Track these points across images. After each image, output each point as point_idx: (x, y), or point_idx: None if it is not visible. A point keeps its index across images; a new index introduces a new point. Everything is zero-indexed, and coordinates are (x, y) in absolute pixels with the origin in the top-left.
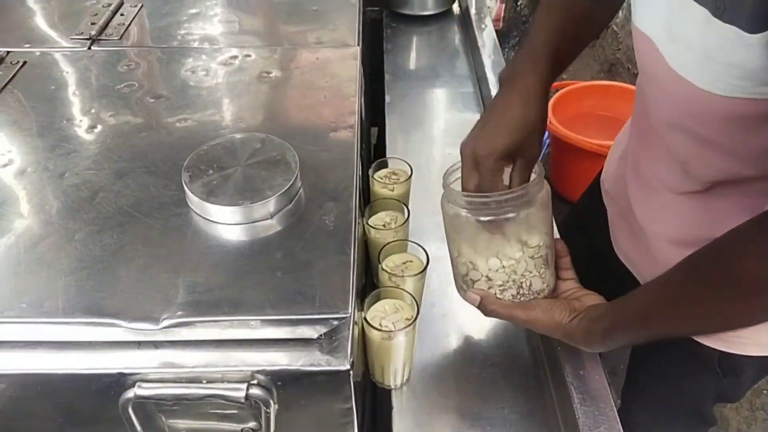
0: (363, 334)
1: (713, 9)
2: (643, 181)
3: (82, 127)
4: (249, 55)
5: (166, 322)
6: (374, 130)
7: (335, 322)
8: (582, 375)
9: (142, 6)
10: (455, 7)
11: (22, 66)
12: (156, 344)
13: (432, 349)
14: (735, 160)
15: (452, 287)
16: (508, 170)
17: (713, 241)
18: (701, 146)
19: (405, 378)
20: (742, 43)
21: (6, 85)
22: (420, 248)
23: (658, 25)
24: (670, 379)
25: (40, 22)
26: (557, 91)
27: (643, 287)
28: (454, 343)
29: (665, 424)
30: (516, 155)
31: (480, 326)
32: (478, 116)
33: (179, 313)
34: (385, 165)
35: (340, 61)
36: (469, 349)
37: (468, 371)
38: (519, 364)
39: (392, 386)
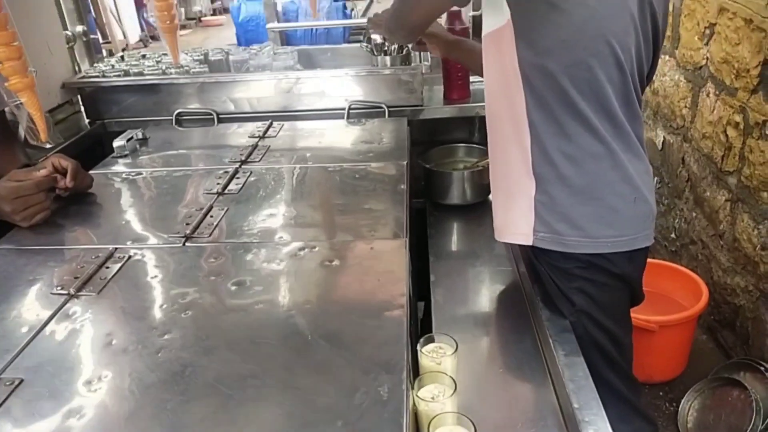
0: None
1: None
2: None
3: (175, 311)
4: (314, 247)
5: None
6: (421, 305)
7: None
8: None
9: (227, 209)
10: (490, 197)
11: (126, 260)
12: None
13: None
14: None
15: None
16: None
17: None
18: None
19: None
20: None
21: (113, 277)
22: (469, 421)
23: None
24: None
25: (143, 223)
26: None
27: None
28: None
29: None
30: None
31: None
32: (518, 292)
33: None
34: (432, 340)
35: (391, 251)
36: None
37: None
38: None
39: None
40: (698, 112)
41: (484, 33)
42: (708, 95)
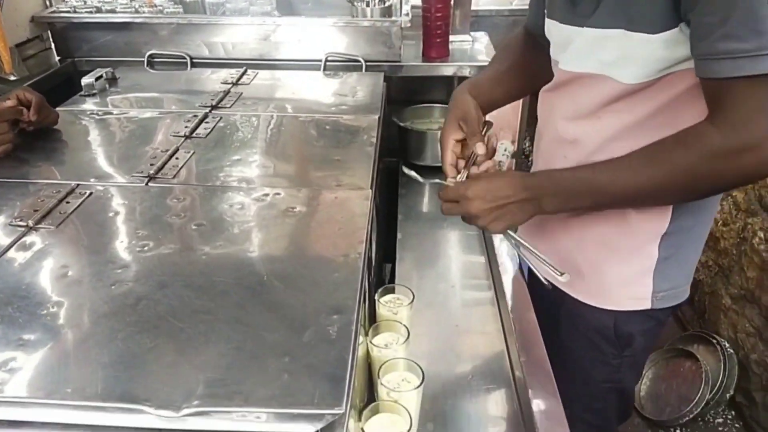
0: None
1: (627, 27)
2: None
3: (133, 247)
4: (278, 193)
5: (185, 411)
6: (388, 266)
7: (330, 418)
8: None
9: (194, 152)
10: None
11: (88, 196)
12: None
13: None
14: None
15: (447, 408)
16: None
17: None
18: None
19: None
20: (648, 42)
21: (73, 211)
22: (417, 367)
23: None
24: (581, 368)
25: (108, 161)
26: None
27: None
28: None
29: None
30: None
31: None
32: (482, 257)
33: (197, 402)
34: (390, 291)
35: (354, 201)
36: None
37: None
38: None
39: None
40: None
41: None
42: None
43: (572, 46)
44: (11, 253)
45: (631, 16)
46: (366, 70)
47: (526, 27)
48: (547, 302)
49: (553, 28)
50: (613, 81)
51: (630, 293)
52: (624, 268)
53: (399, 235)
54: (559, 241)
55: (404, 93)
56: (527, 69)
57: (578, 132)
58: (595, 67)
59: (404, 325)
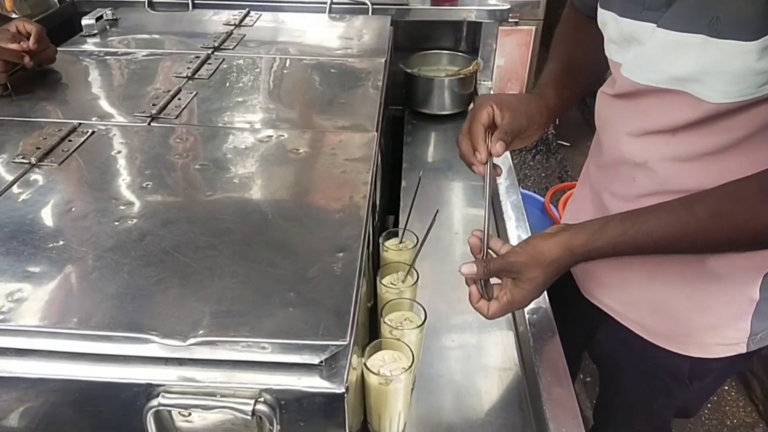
0: (363, 380)
1: (709, 32)
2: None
3: (136, 185)
4: (282, 135)
5: (192, 340)
6: (391, 218)
7: (335, 349)
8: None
9: (196, 93)
10: (470, 107)
11: (90, 135)
12: (180, 361)
13: (428, 405)
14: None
15: (450, 349)
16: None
17: (737, 181)
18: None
19: (400, 428)
20: (740, 51)
21: (76, 150)
22: (420, 307)
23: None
24: (640, 399)
25: (109, 101)
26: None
27: (642, 211)
28: (449, 401)
29: None
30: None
31: (475, 387)
32: (483, 204)
33: (203, 332)
34: (394, 234)
35: (359, 143)
36: (463, 407)
37: (460, 428)
38: (509, 424)
39: None
40: None
41: None
42: None
43: (638, 49)
44: (14, 190)
45: (716, 18)
46: (372, 14)
47: (573, 4)
48: (581, 316)
49: (609, 21)
50: (695, 99)
51: (720, 339)
52: (713, 313)
53: (403, 183)
54: (626, 271)
55: (411, 39)
56: (586, 65)
57: (646, 153)
58: (669, 81)
59: (412, 267)
